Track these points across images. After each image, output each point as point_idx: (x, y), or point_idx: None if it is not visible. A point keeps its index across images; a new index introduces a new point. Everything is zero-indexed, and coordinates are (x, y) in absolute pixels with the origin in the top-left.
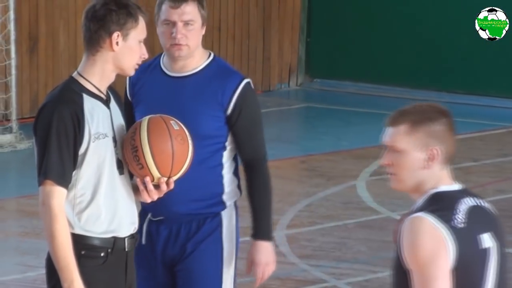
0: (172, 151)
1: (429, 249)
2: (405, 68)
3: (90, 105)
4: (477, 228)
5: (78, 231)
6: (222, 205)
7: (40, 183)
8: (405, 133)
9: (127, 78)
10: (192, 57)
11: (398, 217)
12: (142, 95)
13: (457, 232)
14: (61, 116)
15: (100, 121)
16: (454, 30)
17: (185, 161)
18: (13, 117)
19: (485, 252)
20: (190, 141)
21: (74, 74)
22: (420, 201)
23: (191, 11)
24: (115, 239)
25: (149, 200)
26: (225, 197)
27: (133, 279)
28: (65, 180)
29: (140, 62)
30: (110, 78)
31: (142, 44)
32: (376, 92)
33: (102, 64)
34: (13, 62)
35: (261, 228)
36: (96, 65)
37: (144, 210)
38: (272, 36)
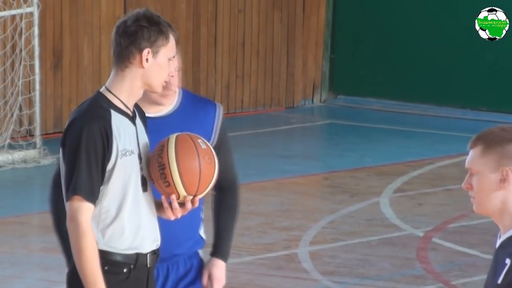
0: (199, 170)
1: None
2: (430, 85)
3: (118, 121)
4: None
5: (101, 247)
6: (203, 240)
7: (69, 198)
8: (479, 155)
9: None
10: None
11: (421, 234)
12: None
13: None
14: (90, 131)
15: (127, 137)
16: (479, 48)
17: (211, 180)
18: (37, 132)
19: None
20: (216, 161)
21: (102, 89)
22: None
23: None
24: (137, 255)
25: (172, 218)
26: (201, 231)
27: None
28: (93, 197)
29: (168, 80)
30: (138, 94)
31: (171, 62)
32: (400, 109)
33: (131, 80)
34: (37, 78)
35: (223, 248)
36: (125, 81)
37: None
38: (296, 52)
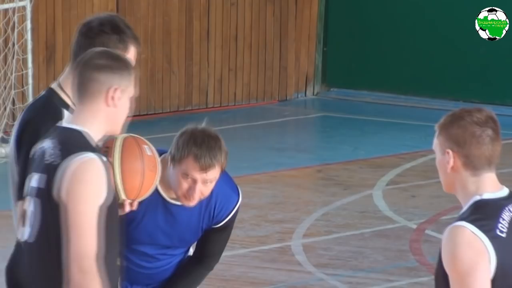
0: (142, 177)
1: (468, 260)
2: (422, 77)
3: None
4: None
5: None
6: None
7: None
8: (435, 136)
9: None
10: None
11: (415, 226)
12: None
13: (499, 242)
14: (44, 130)
15: None
16: (471, 40)
17: (151, 186)
18: None
19: None
20: (159, 169)
21: (54, 85)
22: (464, 208)
23: (215, 174)
24: None
25: None
26: None
27: None
28: None
29: None
30: None
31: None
32: (393, 102)
33: None
34: (30, 72)
35: None
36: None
37: None
38: (288, 46)
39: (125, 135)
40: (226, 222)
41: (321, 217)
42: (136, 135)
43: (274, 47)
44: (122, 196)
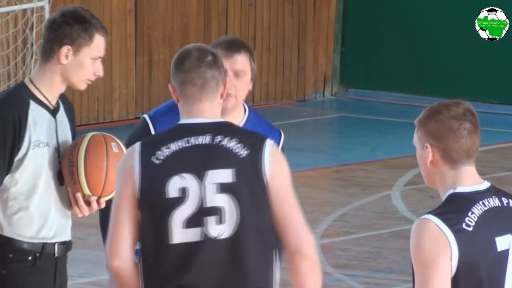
0: (105, 173)
1: (429, 252)
2: (440, 78)
3: (35, 112)
4: (493, 231)
5: (7, 233)
6: None
7: None
8: (415, 131)
9: (152, 127)
10: (234, 112)
11: None
12: None
13: (463, 236)
14: (3, 120)
15: (44, 129)
16: (488, 41)
17: None
18: None
19: (501, 255)
20: None
21: (26, 80)
22: (442, 201)
23: (243, 62)
24: (43, 244)
25: (79, 215)
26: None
27: (63, 284)
28: None
29: (93, 79)
30: (59, 89)
31: (98, 62)
32: (411, 102)
33: (51, 74)
34: None
35: None
36: (46, 74)
37: None
38: (307, 46)
39: (95, 132)
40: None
41: (339, 218)
42: (106, 133)
43: (292, 47)
44: (88, 192)
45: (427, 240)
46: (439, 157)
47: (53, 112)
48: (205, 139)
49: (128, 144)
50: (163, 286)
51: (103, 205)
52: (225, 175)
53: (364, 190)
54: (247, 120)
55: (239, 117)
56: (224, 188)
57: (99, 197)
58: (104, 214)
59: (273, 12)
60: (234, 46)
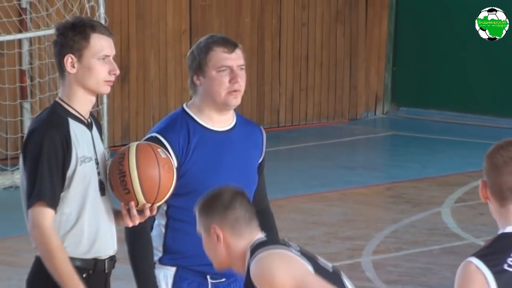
0: (159, 179)
1: None
2: (490, 96)
3: (76, 129)
4: None
5: None
6: None
7: (31, 205)
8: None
9: (165, 141)
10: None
11: (483, 243)
12: (198, 156)
13: (504, 276)
14: (52, 139)
15: (85, 144)
16: None
17: (170, 188)
18: (105, 145)
19: None
20: (175, 170)
21: (57, 99)
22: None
23: (243, 55)
24: (96, 261)
25: (130, 225)
26: None
27: None
28: (55, 203)
29: (111, 79)
30: (87, 100)
31: (108, 60)
32: (461, 121)
33: (70, 87)
34: None
35: None
36: (67, 89)
37: (195, 271)
38: (358, 65)
39: (138, 142)
40: (262, 157)
41: (390, 234)
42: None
43: (344, 66)
44: (142, 200)
45: (466, 281)
46: (489, 193)
47: (88, 126)
48: None
49: None
50: None
51: (155, 211)
52: None
53: (415, 207)
54: (235, 114)
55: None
56: None
57: (153, 204)
58: (133, 231)
59: (325, 32)
60: (230, 42)
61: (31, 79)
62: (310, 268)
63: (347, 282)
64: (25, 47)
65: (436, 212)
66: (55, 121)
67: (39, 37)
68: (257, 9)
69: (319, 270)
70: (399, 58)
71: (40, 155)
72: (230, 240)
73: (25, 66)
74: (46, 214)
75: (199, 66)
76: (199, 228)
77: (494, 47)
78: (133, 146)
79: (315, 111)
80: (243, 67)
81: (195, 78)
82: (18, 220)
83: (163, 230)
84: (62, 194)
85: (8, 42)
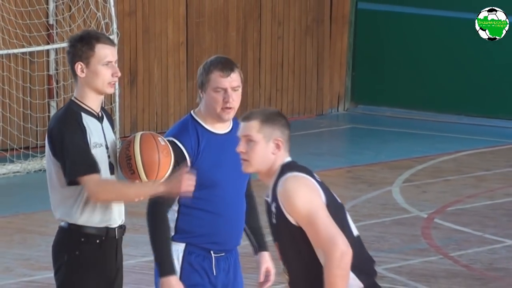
0: (158, 162)
1: None
2: (431, 96)
3: (88, 121)
4: None
5: (79, 222)
6: None
7: (85, 175)
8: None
9: (181, 145)
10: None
11: (425, 216)
12: (206, 156)
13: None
14: (76, 127)
15: (96, 133)
16: (472, 65)
17: (168, 169)
18: (117, 136)
19: None
20: (172, 155)
21: (73, 98)
22: None
23: (237, 78)
24: (107, 229)
25: (136, 199)
26: None
27: (121, 262)
28: (97, 166)
29: (114, 81)
30: (96, 98)
31: (111, 65)
32: (408, 116)
33: (82, 88)
34: (116, 92)
35: (265, 243)
36: (79, 90)
37: (201, 247)
38: (324, 71)
39: (142, 132)
40: None
41: (350, 209)
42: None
43: (312, 72)
44: (145, 179)
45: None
46: None
47: (99, 119)
48: None
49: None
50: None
51: None
52: None
53: (370, 186)
54: (233, 121)
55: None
56: None
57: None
58: (153, 207)
59: (297, 44)
60: (228, 66)
61: (57, 82)
62: (324, 199)
63: (348, 215)
64: (52, 56)
65: (387, 190)
66: (72, 114)
67: (63, 48)
68: (241, 25)
69: (331, 202)
70: (357, 65)
71: (64, 138)
72: (283, 153)
73: (52, 71)
74: (94, 181)
75: (202, 83)
76: (256, 135)
77: (434, 57)
78: (138, 135)
79: (289, 108)
80: (238, 88)
81: (199, 91)
82: (46, 197)
83: (176, 214)
84: None
85: (38, 52)
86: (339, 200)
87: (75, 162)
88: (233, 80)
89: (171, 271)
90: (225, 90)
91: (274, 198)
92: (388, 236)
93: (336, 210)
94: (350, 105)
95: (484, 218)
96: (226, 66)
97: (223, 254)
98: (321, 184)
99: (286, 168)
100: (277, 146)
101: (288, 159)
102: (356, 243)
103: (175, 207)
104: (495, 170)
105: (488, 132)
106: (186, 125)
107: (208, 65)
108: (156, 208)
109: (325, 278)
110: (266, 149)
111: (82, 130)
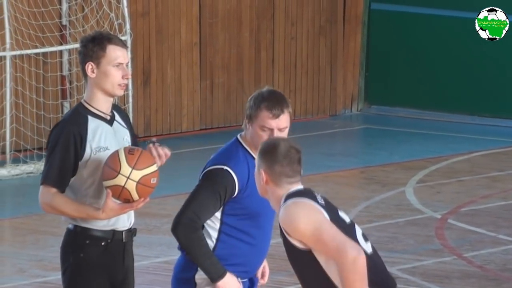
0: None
1: None
2: (445, 96)
3: (93, 125)
4: None
5: (84, 224)
6: None
7: (40, 184)
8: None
9: (235, 176)
10: None
11: (439, 216)
12: (254, 186)
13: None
14: (67, 135)
15: (102, 137)
16: (485, 66)
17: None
18: None
19: None
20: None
21: (82, 100)
22: None
23: (286, 119)
24: (114, 232)
25: (159, 163)
26: None
27: (130, 265)
28: (60, 185)
29: (124, 82)
30: (105, 100)
31: (121, 67)
32: (421, 116)
33: (92, 89)
34: (130, 93)
35: None
36: (89, 91)
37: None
38: (338, 71)
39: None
40: None
41: (363, 209)
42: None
43: (326, 72)
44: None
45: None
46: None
47: (109, 121)
48: None
49: (213, 194)
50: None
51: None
52: None
53: (384, 187)
54: None
55: None
56: None
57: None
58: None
59: (310, 44)
60: (279, 107)
61: (70, 83)
62: (326, 216)
63: (359, 234)
64: (65, 57)
65: (401, 191)
66: (73, 119)
67: (76, 49)
68: (255, 25)
69: (336, 220)
70: (371, 66)
71: (55, 145)
72: (271, 185)
73: (65, 72)
74: (47, 193)
75: (250, 116)
76: (256, 162)
77: (448, 58)
78: (121, 149)
79: (302, 108)
80: (285, 129)
81: (246, 121)
82: None
83: (215, 242)
84: (79, 178)
85: (52, 52)
86: (348, 220)
87: (49, 170)
88: (282, 121)
89: (223, 272)
90: (272, 131)
91: (280, 227)
92: (401, 236)
93: (344, 230)
94: (364, 106)
95: (498, 219)
96: (277, 106)
97: (246, 279)
98: (326, 206)
99: (288, 196)
100: (264, 179)
101: (294, 189)
102: (368, 261)
103: (215, 234)
104: (509, 171)
105: (501, 132)
106: (237, 152)
107: (260, 101)
108: (191, 235)
109: (344, 287)
110: (258, 178)
111: (75, 143)
